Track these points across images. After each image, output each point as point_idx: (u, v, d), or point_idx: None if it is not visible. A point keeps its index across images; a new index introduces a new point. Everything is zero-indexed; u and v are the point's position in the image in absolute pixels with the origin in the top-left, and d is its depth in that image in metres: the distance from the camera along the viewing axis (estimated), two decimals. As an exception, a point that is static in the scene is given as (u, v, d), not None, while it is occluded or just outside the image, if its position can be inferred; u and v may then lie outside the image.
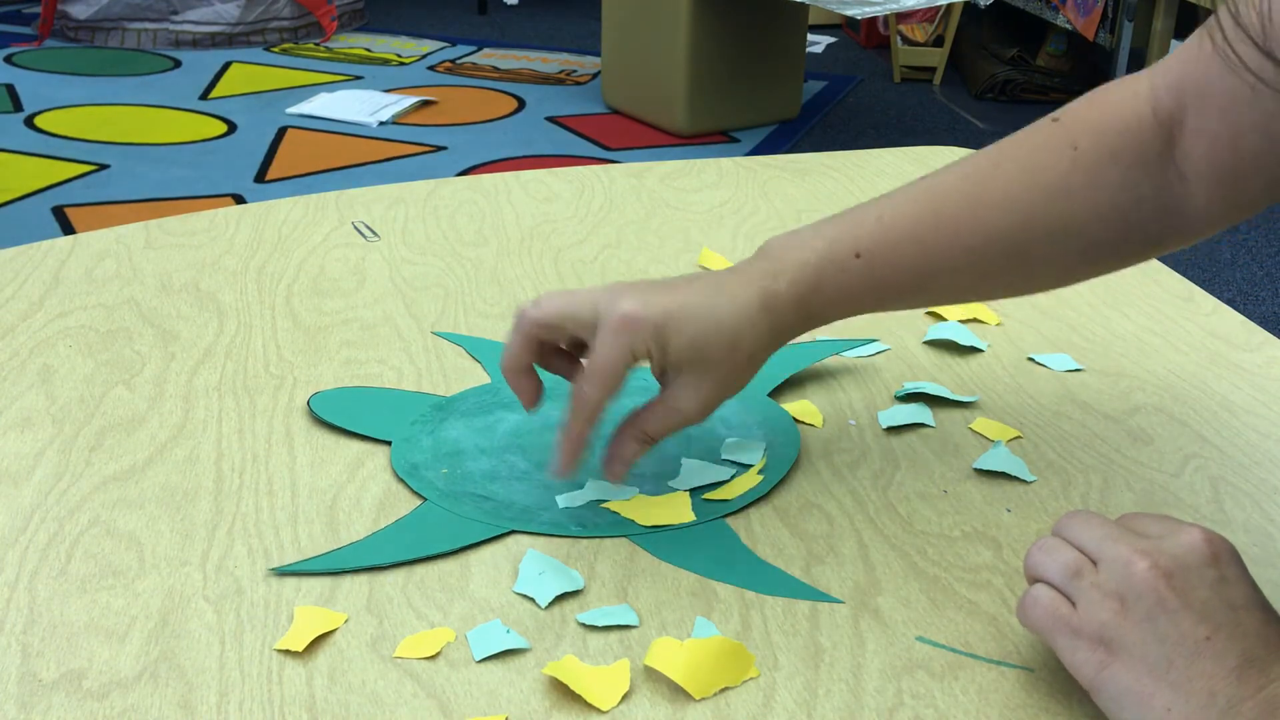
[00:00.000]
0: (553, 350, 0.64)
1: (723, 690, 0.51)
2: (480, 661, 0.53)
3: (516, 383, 0.63)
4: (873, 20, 4.26)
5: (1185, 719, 0.45)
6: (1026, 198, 0.62)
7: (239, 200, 2.74)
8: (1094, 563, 0.49)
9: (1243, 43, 0.51)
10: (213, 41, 4.03)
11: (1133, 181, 0.61)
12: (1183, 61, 0.60)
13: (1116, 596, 0.48)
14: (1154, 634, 0.46)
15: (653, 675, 0.52)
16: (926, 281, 0.63)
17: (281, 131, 3.21)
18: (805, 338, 0.81)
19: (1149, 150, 0.61)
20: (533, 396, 0.64)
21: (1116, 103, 0.62)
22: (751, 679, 0.52)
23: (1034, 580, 0.51)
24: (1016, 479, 0.67)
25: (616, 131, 3.29)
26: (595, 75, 3.76)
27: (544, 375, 0.75)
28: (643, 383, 0.75)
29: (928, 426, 0.72)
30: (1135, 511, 0.55)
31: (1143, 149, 0.61)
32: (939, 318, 0.85)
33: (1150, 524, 0.51)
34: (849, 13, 2.88)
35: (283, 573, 0.58)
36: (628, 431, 0.62)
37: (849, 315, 0.65)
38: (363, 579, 0.58)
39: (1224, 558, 0.48)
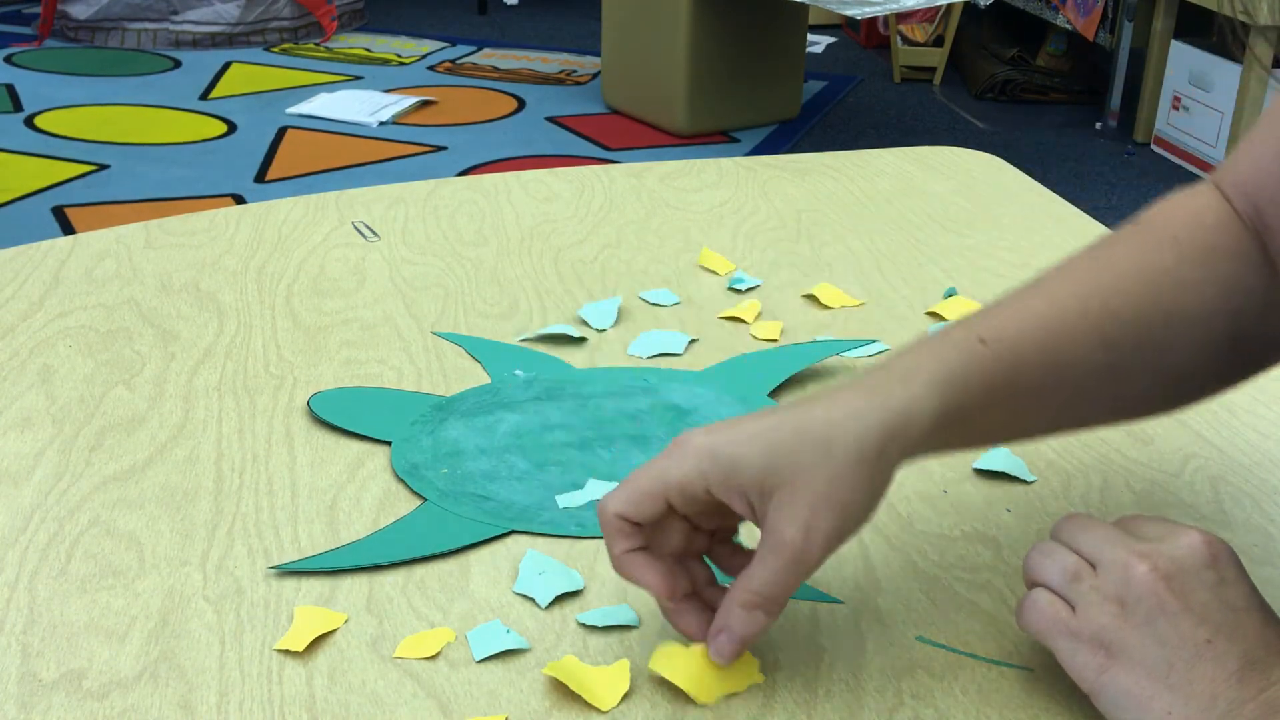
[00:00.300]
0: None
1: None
2: (480, 661, 0.53)
3: (637, 575, 0.52)
4: (873, 20, 4.26)
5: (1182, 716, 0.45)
6: (1146, 288, 0.55)
7: (239, 200, 2.74)
8: (1093, 566, 0.49)
9: None
10: (213, 41, 4.03)
11: (1239, 275, 0.56)
12: (1250, 161, 0.58)
13: (1116, 600, 0.47)
14: (1154, 637, 0.46)
15: (652, 675, 0.52)
16: (1063, 371, 0.54)
17: (281, 131, 3.21)
18: (805, 338, 0.81)
19: (1245, 245, 0.57)
20: (667, 585, 0.51)
21: (1196, 205, 0.58)
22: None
23: (1033, 584, 0.51)
24: (1016, 479, 0.67)
25: (616, 131, 3.29)
26: (595, 75, 3.76)
27: (543, 376, 0.75)
28: (642, 383, 0.75)
29: None
30: (1134, 513, 0.55)
31: (1239, 244, 0.57)
32: (939, 318, 0.85)
33: (1149, 527, 0.50)
34: (849, 13, 2.88)
35: (283, 571, 0.58)
36: (736, 598, 0.50)
37: (986, 413, 0.53)
38: (363, 579, 0.58)
39: (1223, 560, 0.48)
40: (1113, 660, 0.47)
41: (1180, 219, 0.58)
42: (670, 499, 0.50)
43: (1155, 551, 0.48)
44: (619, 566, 0.51)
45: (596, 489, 0.64)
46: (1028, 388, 0.53)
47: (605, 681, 0.51)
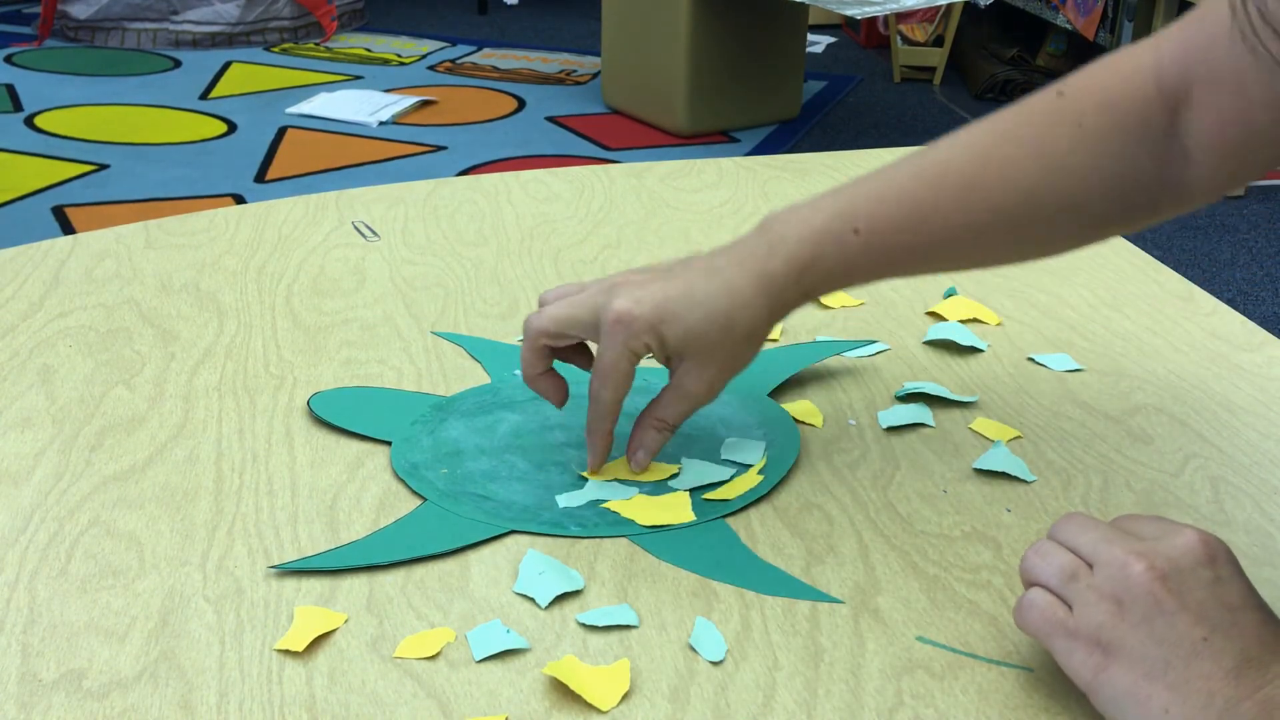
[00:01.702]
0: (567, 349, 0.67)
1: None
2: (480, 661, 0.53)
3: (540, 388, 0.67)
4: (873, 20, 4.26)
5: (1182, 713, 0.45)
6: (1030, 176, 0.62)
7: (239, 200, 2.74)
8: (1089, 565, 0.49)
9: (1266, 29, 0.51)
10: (213, 41, 4.03)
11: (1136, 155, 0.61)
12: (1188, 35, 0.60)
13: (1113, 599, 0.48)
14: (1151, 636, 0.46)
15: (653, 675, 0.52)
16: (924, 257, 0.65)
17: (281, 131, 3.21)
18: (805, 338, 0.81)
19: (1153, 125, 0.61)
20: (559, 395, 0.68)
21: (1121, 77, 0.62)
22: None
23: (1030, 584, 0.51)
24: (1016, 479, 0.67)
25: (616, 131, 3.29)
26: (595, 75, 3.76)
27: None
28: (642, 383, 0.75)
29: (928, 426, 0.72)
30: (1132, 513, 0.55)
31: (1147, 124, 0.61)
32: (939, 318, 0.85)
33: (1146, 526, 0.50)
34: (849, 13, 2.88)
35: (283, 571, 0.58)
36: (645, 422, 0.65)
37: (846, 287, 0.67)
38: (363, 579, 0.58)
39: (1220, 559, 0.48)
40: (1110, 659, 0.47)
41: (1096, 96, 0.62)
42: (588, 335, 0.64)
43: (1152, 551, 0.48)
44: (529, 375, 0.66)
45: (596, 489, 0.64)
46: (891, 265, 0.65)
47: (605, 681, 0.51)
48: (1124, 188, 0.62)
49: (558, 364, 0.67)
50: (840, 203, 0.63)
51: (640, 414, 0.66)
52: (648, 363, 0.78)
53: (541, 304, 0.66)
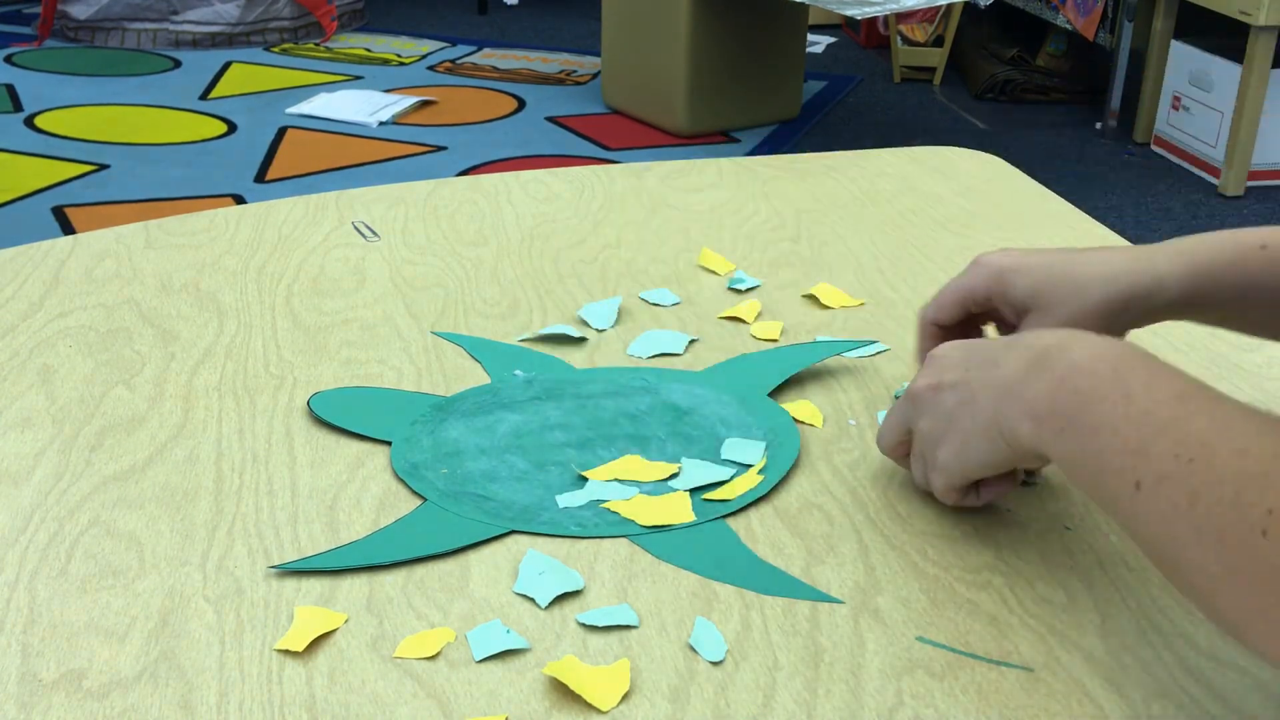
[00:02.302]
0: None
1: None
2: (480, 661, 0.53)
3: None
4: (873, 20, 4.26)
5: (987, 416, 0.55)
6: None
7: (239, 200, 2.74)
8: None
9: None
10: (213, 41, 4.03)
11: None
12: None
13: (925, 419, 0.59)
14: (940, 409, 0.58)
15: (653, 675, 0.52)
16: None
17: (281, 131, 3.21)
18: (805, 338, 0.81)
19: None
20: None
21: None
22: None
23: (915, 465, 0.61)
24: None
25: (616, 131, 3.29)
26: (595, 75, 3.76)
27: (543, 376, 0.75)
28: (641, 383, 0.75)
29: None
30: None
31: None
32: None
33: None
34: (849, 13, 2.88)
35: (283, 571, 0.58)
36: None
37: (1239, 307, 0.64)
38: (363, 579, 0.58)
39: (962, 341, 0.60)
40: (937, 449, 0.59)
41: None
42: (967, 305, 0.66)
43: (920, 373, 0.61)
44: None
45: (597, 489, 0.64)
46: None
47: (605, 681, 0.51)
48: None
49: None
50: (1252, 229, 0.63)
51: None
52: (645, 363, 0.78)
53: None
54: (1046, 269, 0.63)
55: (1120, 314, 0.62)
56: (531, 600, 0.57)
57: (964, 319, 0.68)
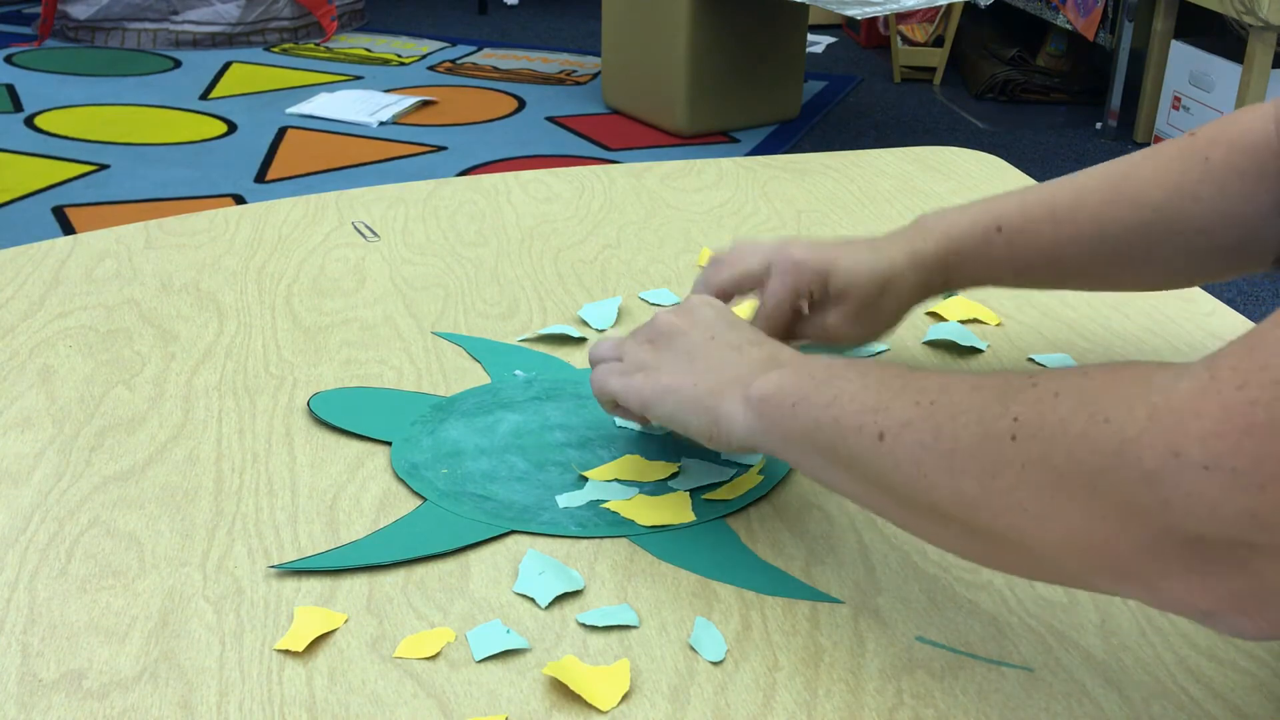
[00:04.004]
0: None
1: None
2: (480, 661, 0.53)
3: None
4: (873, 20, 4.26)
5: (706, 386, 0.59)
6: (1159, 196, 0.69)
7: (239, 200, 2.74)
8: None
9: None
10: (213, 41, 4.03)
11: (1256, 194, 0.67)
12: None
13: (647, 341, 0.63)
14: (673, 348, 0.62)
15: (653, 675, 0.52)
16: (1059, 260, 0.71)
17: (281, 131, 3.21)
18: (805, 338, 0.81)
19: (1271, 168, 0.66)
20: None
21: (1246, 124, 0.68)
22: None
23: (599, 371, 0.64)
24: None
25: (616, 131, 3.29)
26: (595, 75, 3.76)
27: (543, 376, 0.76)
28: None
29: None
30: None
31: (1265, 166, 0.66)
32: (939, 318, 0.85)
33: None
34: (849, 13, 2.88)
35: (283, 571, 0.58)
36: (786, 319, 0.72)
37: (989, 284, 0.74)
38: (363, 579, 0.58)
39: (715, 303, 0.64)
40: (650, 374, 0.61)
41: (1223, 142, 0.68)
42: (757, 286, 0.72)
43: (670, 309, 0.65)
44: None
45: (596, 489, 0.64)
46: (1028, 268, 0.71)
47: (605, 681, 0.51)
48: (1244, 222, 0.67)
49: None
50: (985, 207, 0.72)
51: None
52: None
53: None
54: (819, 268, 0.70)
55: (895, 303, 0.71)
56: (531, 600, 0.57)
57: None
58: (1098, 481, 0.40)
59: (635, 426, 0.70)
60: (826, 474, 0.53)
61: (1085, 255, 0.70)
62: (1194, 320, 0.85)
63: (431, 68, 3.89)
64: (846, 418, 0.51)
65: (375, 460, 0.67)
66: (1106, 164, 0.72)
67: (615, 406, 0.64)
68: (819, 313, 0.71)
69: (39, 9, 4.06)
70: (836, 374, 0.53)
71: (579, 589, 0.57)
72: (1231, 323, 0.85)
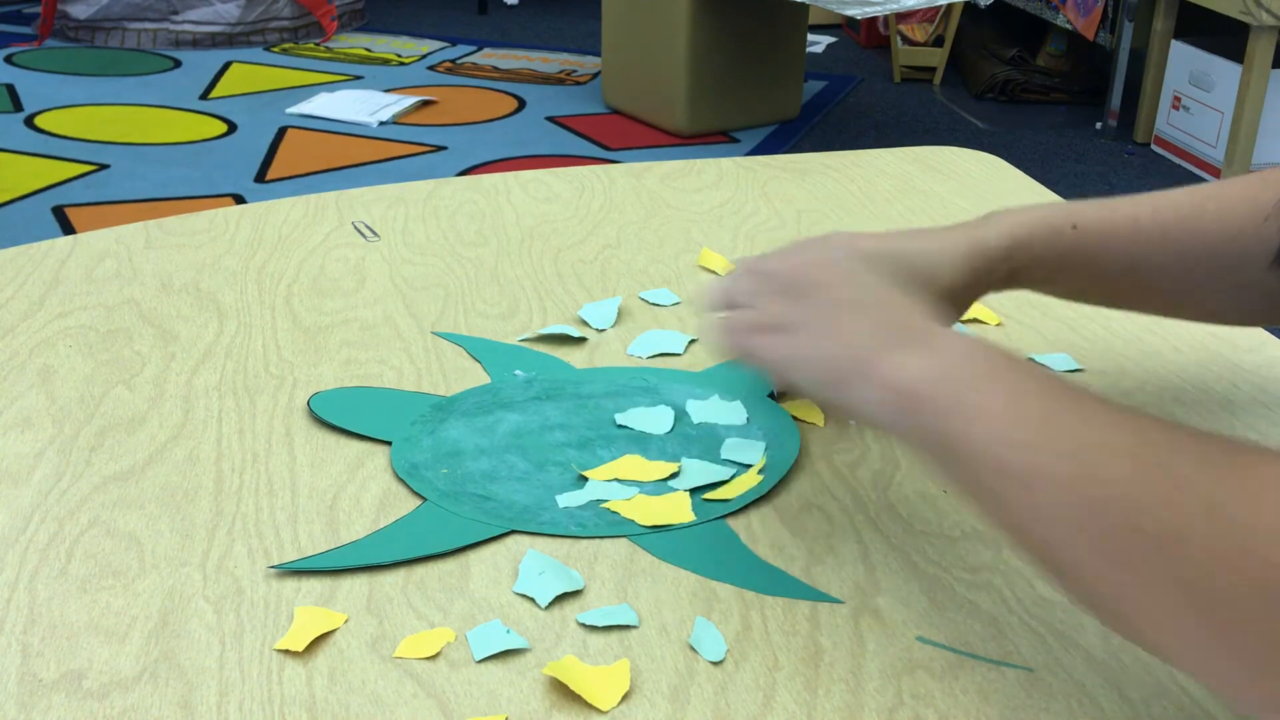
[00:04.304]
0: None
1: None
2: (480, 661, 0.53)
3: None
4: (873, 20, 4.26)
5: (847, 353, 0.54)
6: (1243, 217, 0.66)
7: (239, 200, 2.74)
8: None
9: None
10: (213, 41, 4.03)
11: None
12: None
13: (781, 293, 0.58)
14: (814, 304, 0.56)
15: (653, 675, 0.52)
16: (1135, 269, 0.67)
17: (281, 131, 3.21)
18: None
19: None
20: None
21: None
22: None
23: (732, 321, 0.59)
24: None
25: (616, 131, 3.29)
26: (595, 75, 3.76)
27: (543, 376, 0.76)
28: (643, 383, 0.75)
29: None
30: None
31: None
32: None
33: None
34: (849, 13, 2.88)
35: (283, 571, 0.58)
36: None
37: (1054, 285, 0.68)
38: (363, 579, 0.58)
39: (857, 255, 0.59)
40: (789, 333, 0.56)
41: None
42: None
43: (800, 248, 0.61)
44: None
45: (596, 489, 0.64)
46: (1101, 274, 0.67)
47: (605, 681, 0.51)
48: None
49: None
50: (1062, 206, 0.67)
51: None
52: (645, 363, 0.78)
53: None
54: (897, 257, 0.63)
55: (962, 294, 0.65)
56: (531, 600, 0.57)
57: None
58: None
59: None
60: (954, 487, 0.49)
61: (1165, 267, 0.66)
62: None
63: (431, 68, 3.89)
64: (986, 448, 0.46)
65: (375, 460, 0.67)
66: (1188, 187, 0.68)
67: (741, 357, 0.59)
68: None
69: (39, 9, 4.06)
70: (982, 378, 0.48)
71: (579, 589, 0.57)
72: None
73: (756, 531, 0.62)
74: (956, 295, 0.65)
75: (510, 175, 1.10)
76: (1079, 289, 0.69)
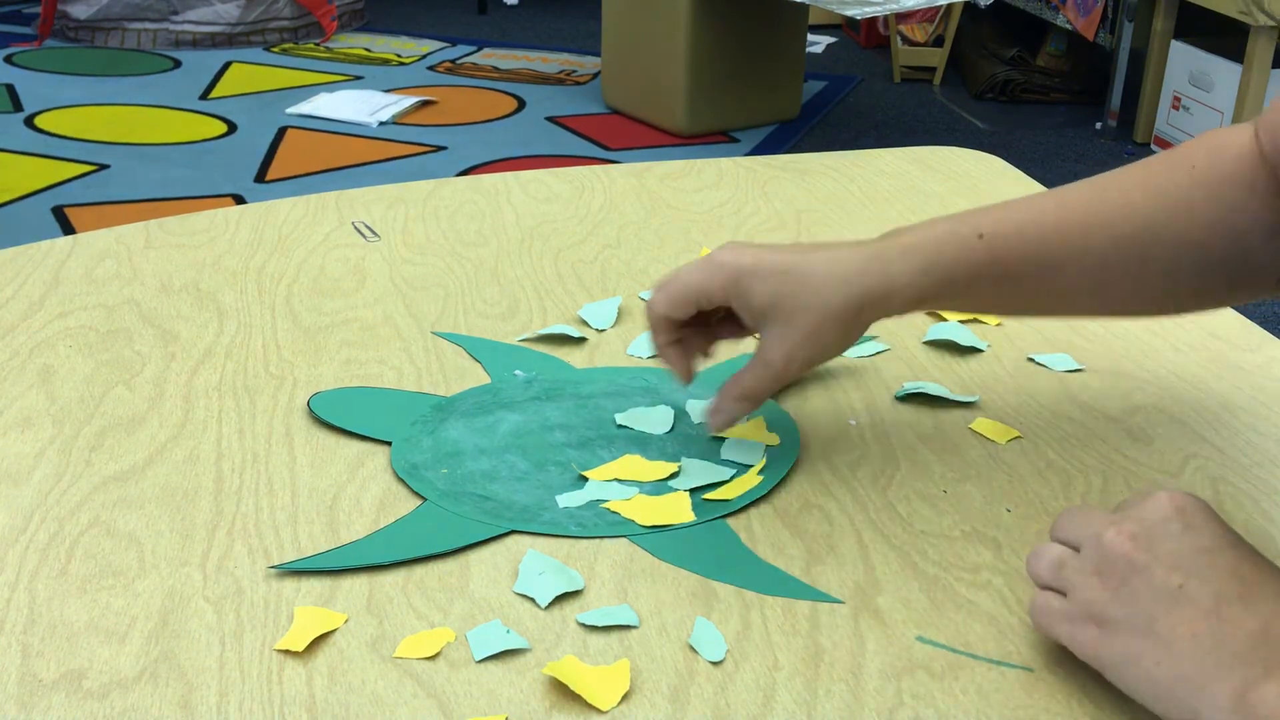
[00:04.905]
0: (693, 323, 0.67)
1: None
2: (480, 661, 0.53)
3: (668, 358, 0.67)
4: (873, 20, 4.26)
5: (1173, 670, 0.46)
6: (1149, 206, 0.64)
7: (239, 200, 2.74)
8: (1077, 551, 0.51)
9: None
10: (213, 41, 4.03)
11: (1248, 206, 0.63)
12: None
13: (1095, 573, 0.49)
14: (1132, 595, 0.48)
15: (653, 675, 0.52)
16: (1046, 273, 0.64)
17: (281, 131, 3.21)
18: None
19: (1259, 180, 0.62)
20: (684, 367, 0.67)
21: (1226, 137, 0.64)
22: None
23: (1037, 586, 0.52)
24: (1015, 477, 0.66)
25: (616, 131, 3.29)
26: (595, 75, 3.76)
27: (543, 376, 0.76)
28: (643, 383, 0.75)
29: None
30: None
31: (1254, 178, 0.63)
32: (939, 318, 0.85)
33: (1128, 501, 0.52)
34: (849, 13, 2.88)
35: (283, 571, 0.58)
36: (728, 391, 0.65)
37: (968, 297, 0.65)
38: (363, 579, 0.58)
39: (1189, 509, 0.50)
40: (1105, 629, 0.49)
41: (1204, 150, 0.64)
42: (700, 304, 0.64)
43: (1123, 517, 0.50)
44: (661, 355, 0.67)
45: (596, 489, 0.64)
46: (1012, 281, 0.64)
47: (605, 681, 0.51)
48: (1238, 234, 0.63)
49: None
50: (966, 214, 0.64)
51: (723, 384, 0.66)
52: (646, 363, 0.78)
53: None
54: (783, 274, 0.61)
55: (857, 315, 0.62)
56: (531, 600, 0.57)
57: (695, 314, 0.65)
58: None
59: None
60: None
61: (1075, 266, 0.63)
62: (1194, 320, 0.85)
63: (431, 68, 3.89)
64: None
65: (375, 460, 0.67)
66: (1091, 178, 0.66)
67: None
68: (729, 328, 0.66)
69: (39, 9, 4.06)
70: None
71: (579, 589, 0.57)
72: (1231, 322, 0.85)
73: (756, 531, 0.62)
74: (845, 321, 0.62)
75: (510, 175, 1.10)
76: (990, 300, 0.66)
